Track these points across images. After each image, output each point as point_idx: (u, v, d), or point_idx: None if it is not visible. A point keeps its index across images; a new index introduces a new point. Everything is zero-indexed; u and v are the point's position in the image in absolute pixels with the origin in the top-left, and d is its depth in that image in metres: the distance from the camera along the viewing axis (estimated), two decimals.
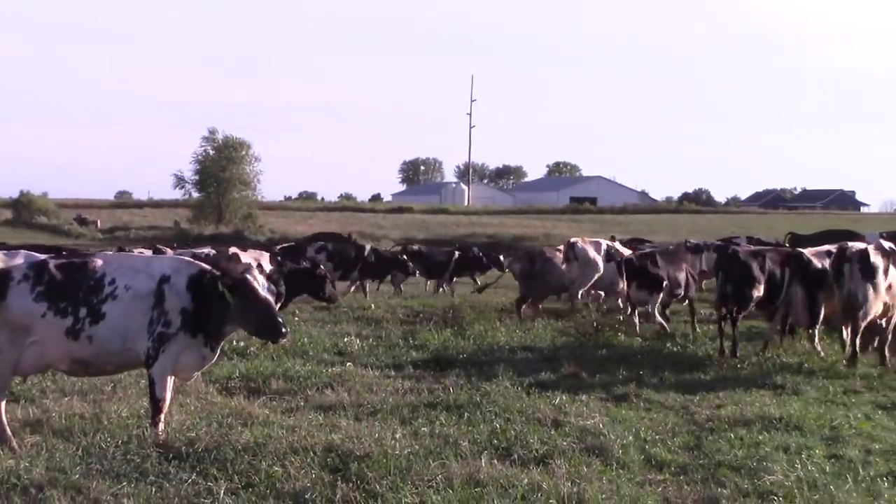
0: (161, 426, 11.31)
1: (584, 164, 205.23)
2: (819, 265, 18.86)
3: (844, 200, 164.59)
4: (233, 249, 21.06)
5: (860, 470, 10.67)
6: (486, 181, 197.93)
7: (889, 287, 17.90)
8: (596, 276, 24.68)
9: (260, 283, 11.82)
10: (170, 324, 11.21)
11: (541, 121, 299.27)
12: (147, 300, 11.23)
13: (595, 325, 21.13)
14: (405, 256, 33.58)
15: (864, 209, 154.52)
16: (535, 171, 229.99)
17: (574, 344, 19.67)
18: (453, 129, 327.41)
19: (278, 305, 19.82)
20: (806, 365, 17.23)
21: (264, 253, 21.66)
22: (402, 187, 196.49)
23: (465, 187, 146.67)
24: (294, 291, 21.21)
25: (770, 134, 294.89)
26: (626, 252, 25.50)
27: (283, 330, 11.42)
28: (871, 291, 17.64)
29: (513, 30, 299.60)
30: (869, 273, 17.64)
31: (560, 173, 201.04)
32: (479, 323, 22.38)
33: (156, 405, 11.33)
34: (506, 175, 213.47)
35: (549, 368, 16.66)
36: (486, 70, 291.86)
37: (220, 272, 11.54)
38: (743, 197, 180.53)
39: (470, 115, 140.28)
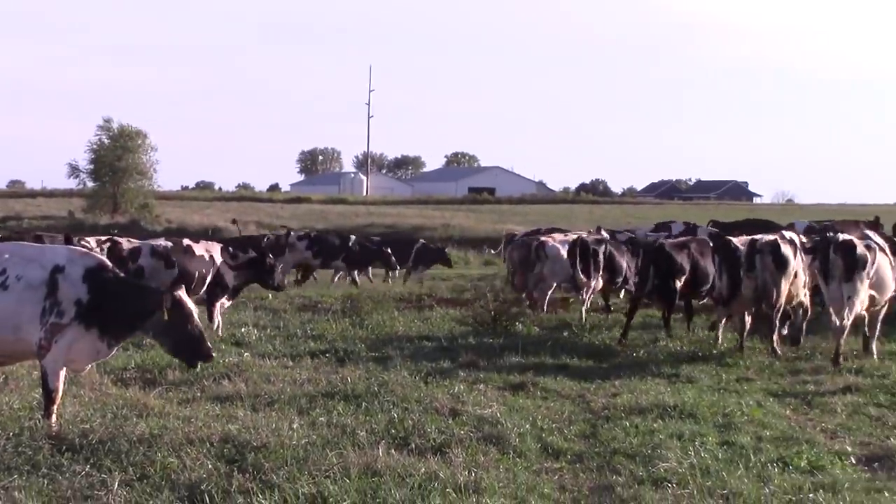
0: (54, 418, 11.18)
1: (482, 155, 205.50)
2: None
3: (738, 191, 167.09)
4: (186, 241, 21.09)
5: (751, 456, 10.82)
6: (384, 171, 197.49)
7: (795, 276, 18.35)
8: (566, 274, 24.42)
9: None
10: (63, 314, 11.05)
11: (439, 111, 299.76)
12: (39, 290, 11.07)
13: (493, 314, 21.22)
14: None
15: (756, 200, 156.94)
16: (433, 162, 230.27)
17: (472, 333, 19.73)
18: (352, 120, 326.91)
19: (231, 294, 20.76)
20: (700, 353, 17.44)
21: (215, 244, 21.58)
22: (301, 177, 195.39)
23: (363, 177, 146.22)
24: (244, 280, 21.18)
25: (666, 125, 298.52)
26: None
27: (208, 356, 11.65)
28: (782, 281, 18.06)
29: (411, 19, 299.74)
30: (781, 264, 18.02)
31: (458, 164, 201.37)
32: (378, 313, 22.41)
33: (48, 396, 11.20)
34: (404, 165, 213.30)
35: (447, 358, 16.71)
36: (384, 60, 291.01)
37: (164, 292, 11.46)
38: (639, 188, 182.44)
39: (368, 105, 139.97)
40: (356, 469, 9.78)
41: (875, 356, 17.77)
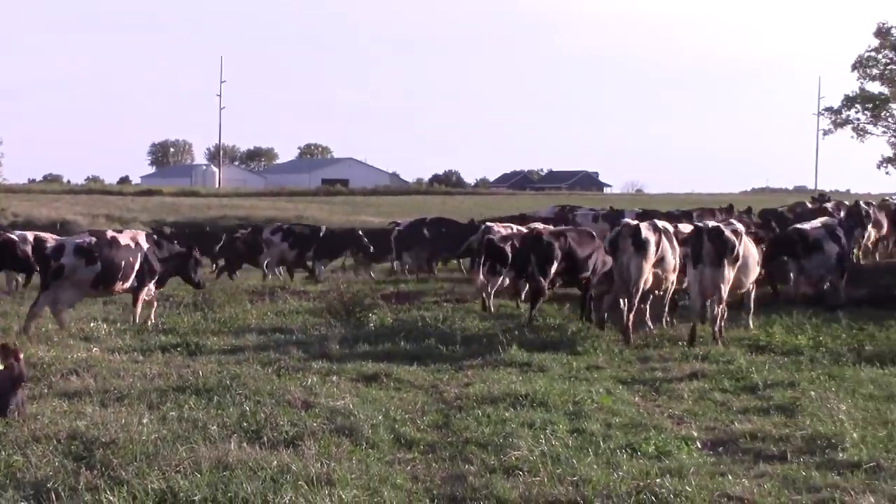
0: None
1: (335, 147, 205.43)
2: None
3: (588, 181, 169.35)
4: (110, 233, 20.87)
5: (601, 443, 11.00)
6: (237, 163, 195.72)
7: (661, 260, 18.93)
8: None
9: None
10: None
11: (292, 103, 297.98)
12: None
13: (346, 305, 21.17)
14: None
15: (606, 190, 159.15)
16: (286, 154, 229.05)
17: (325, 325, 19.65)
18: (203, 111, 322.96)
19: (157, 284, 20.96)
20: (551, 342, 17.62)
21: (140, 232, 21.77)
22: (152, 170, 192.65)
23: (215, 169, 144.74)
24: (168, 272, 21.42)
25: (517, 116, 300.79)
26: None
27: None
28: (644, 265, 18.61)
29: (263, 10, 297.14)
30: (641, 247, 18.56)
31: (312, 155, 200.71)
32: (231, 306, 22.19)
33: None
34: (257, 157, 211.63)
35: (300, 350, 16.63)
36: (236, 51, 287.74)
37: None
38: (492, 178, 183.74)
39: (220, 96, 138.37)
40: (207, 463, 9.71)
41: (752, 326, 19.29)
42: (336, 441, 10.86)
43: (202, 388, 13.28)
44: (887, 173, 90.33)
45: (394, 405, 12.76)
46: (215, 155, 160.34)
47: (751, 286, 20.07)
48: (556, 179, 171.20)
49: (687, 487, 9.48)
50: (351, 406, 12.30)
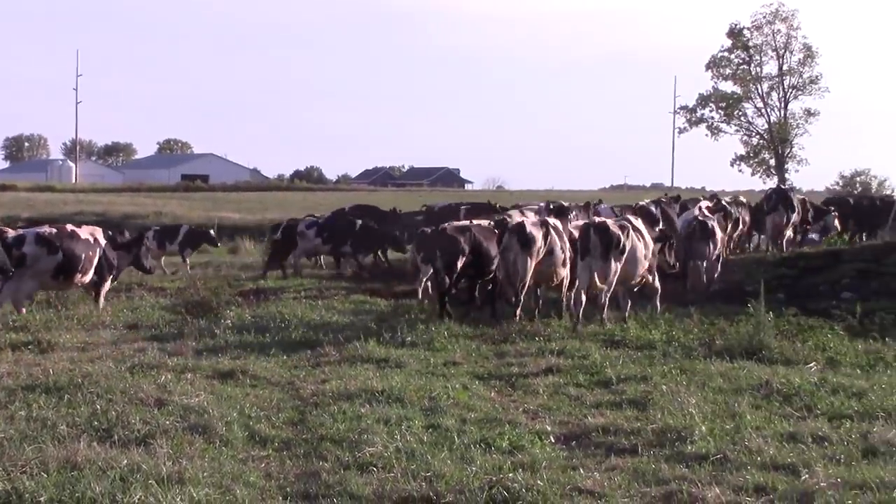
0: None
1: (195, 142, 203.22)
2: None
3: (450, 178, 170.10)
4: (70, 226, 21.33)
5: (455, 438, 11.04)
6: (94, 158, 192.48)
7: (550, 253, 20.01)
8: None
9: None
10: None
11: (151, 98, 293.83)
12: None
13: (203, 302, 20.95)
14: None
15: (468, 186, 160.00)
16: (145, 149, 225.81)
17: (182, 322, 19.41)
18: (59, 105, 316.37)
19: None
20: (409, 339, 17.65)
21: (97, 228, 22.23)
22: (6, 164, 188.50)
23: (72, 164, 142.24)
24: (126, 262, 23.21)
25: (379, 113, 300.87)
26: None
27: None
28: (528, 261, 19.52)
29: (120, 3, 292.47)
30: (526, 244, 19.60)
31: (171, 150, 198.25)
32: (85, 303, 21.81)
33: None
34: (115, 152, 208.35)
35: (155, 347, 16.42)
36: (92, 44, 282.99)
37: None
38: (353, 175, 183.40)
39: (76, 90, 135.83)
40: (55, 463, 9.56)
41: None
42: (189, 439, 10.75)
43: (53, 387, 13.02)
44: (740, 171, 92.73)
45: (249, 402, 12.66)
46: (72, 150, 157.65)
47: (643, 278, 21.05)
48: (417, 176, 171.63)
49: (539, 481, 9.56)
50: (205, 404, 12.18)
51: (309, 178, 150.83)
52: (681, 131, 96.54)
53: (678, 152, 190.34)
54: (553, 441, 11.33)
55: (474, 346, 17.51)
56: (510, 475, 9.72)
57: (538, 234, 19.76)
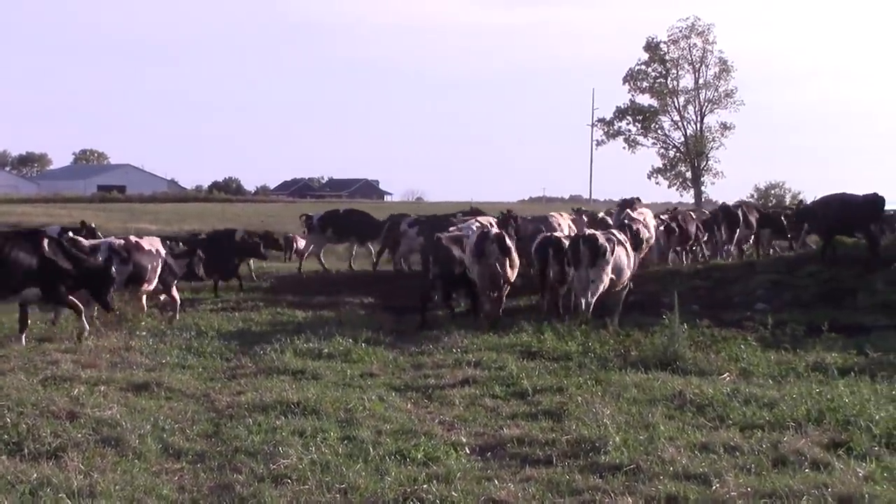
0: None
1: (111, 152, 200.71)
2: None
3: (369, 189, 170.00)
4: (134, 238, 22.27)
5: (371, 450, 11.03)
6: (8, 168, 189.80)
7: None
8: None
9: None
10: None
11: (67, 107, 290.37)
12: None
13: (118, 313, 20.75)
14: None
15: (387, 198, 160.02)
16: (60, 159, 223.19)
17: (98, 333, 19.16)
18: None
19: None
20: (326, 350, 17.60)
21: (156, 238, 23.13)
22: None
23: None
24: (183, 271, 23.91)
25: (297, 124, 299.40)
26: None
27: None
28: (507, 266, 21.74)
29: (32, 12, 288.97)
30: (505, 251, 21.72)
31: (87, 161, 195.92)
32: (3, 314, 21.44)
33: None
34: (30, 162, 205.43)
35: (69, 360, 16.19)
36: (5, 53, 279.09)
37: None
38: (272, 186, 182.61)
39: None
40: None
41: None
42: (101, 452, 10.67)
43: None
44: (657, 183, 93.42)
45: (163, 414, 12.58)
46: None
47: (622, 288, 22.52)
48: (337, 187, 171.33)
49: (453, 492, 9.60)
50: (118, 416, 12.07)
51: (227, 190, 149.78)
52: (598, 143, 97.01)
53: (596, 164, 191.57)
54: (468, 452, 11.34)
55: (391, 357, 17.51)
56: (425, 486, 9.77)
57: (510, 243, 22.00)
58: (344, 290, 28.42)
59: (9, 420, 11.66)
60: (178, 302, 22.79)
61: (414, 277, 32.43)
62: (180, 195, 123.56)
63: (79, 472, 9.78)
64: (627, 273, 22.52)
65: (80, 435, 11.20)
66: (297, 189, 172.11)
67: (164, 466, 10.54)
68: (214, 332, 19.80)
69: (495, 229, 23.75)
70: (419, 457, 10.92)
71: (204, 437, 11.76)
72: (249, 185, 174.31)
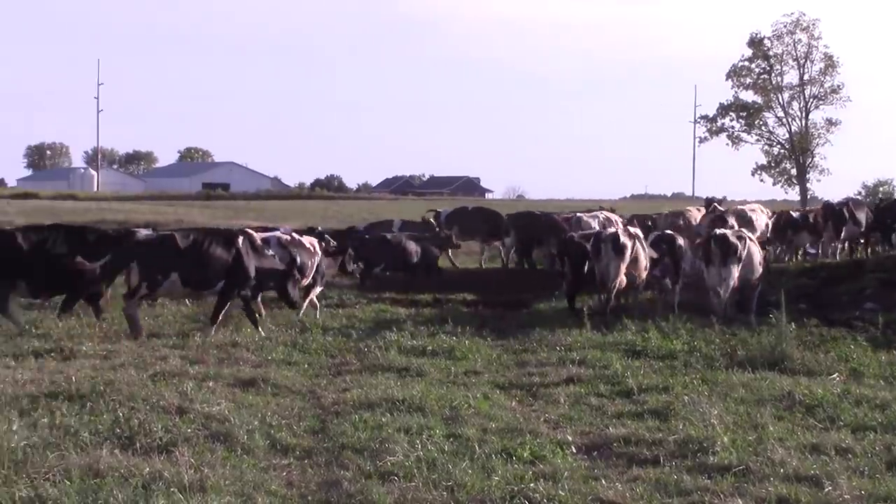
0: None
1: (216, 151, 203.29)
2: None
3: (470, 187, 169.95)
4: (294, 234, 22.95)
5: (477, 448, 11.01)
6: (116, 167, 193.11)
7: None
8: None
9: None
10: None
11: (172, 106, 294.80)
12: None
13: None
14: None
15: (488, 195, 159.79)
16: (166, 157, 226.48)
17: (204, 330, 19.39)
18: (81, 114, 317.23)
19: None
20: (430, 348, 17.65)
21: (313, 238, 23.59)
22: (28, 172, 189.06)
23: (93, 173, 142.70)
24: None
25: (400, 121, 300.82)
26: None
27: None
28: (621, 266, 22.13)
29: (141, 12, 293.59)
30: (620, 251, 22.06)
31: (192, 159, 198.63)
32: (107, 311, 21.82)
33: None
34: (136, 161, 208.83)
35: (177, 356, 16.42)
36: (113, 53, 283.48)
37: None
38: (374, 183, 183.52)
39: (97, 99, 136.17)
40: (78, 471, 9.58)
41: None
42: (210, 447, 10.76)
43: (75, 394, 12.99)
44: (761, 181, 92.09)
45: (270, 410, 12.66)
46: (93, 158, 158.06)
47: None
48: (437, 185, 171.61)
49: (560, 492, 9.58)
50: (226, 412, 12.17)
51: (329, 187, 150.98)
52: (701, 140, 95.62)
53: (699, 161, 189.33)
54: (574, 451, 11.30)
55: (495, 355, 17.51)
56: (531, 485, 9.75)
57: (630, 243, 22.07)
58: (447, 287, 28.42)
59: (121, 415, 11.82)
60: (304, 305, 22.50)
61: (517, 274, 32.52)
62: (283, 193, 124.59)
63: (189, 467, 9.87)
64: (759, 271, 22.96)
65: (189, 430, 11.32)
66: (399, 186, 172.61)
67: (272, 462, 10.62)
68: (319, 328, 19.95)
69: (614, 228, 24.02)
70: (525, 455, 10.90)
71: (311, 433, 11.83)
72: (351, 183, 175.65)
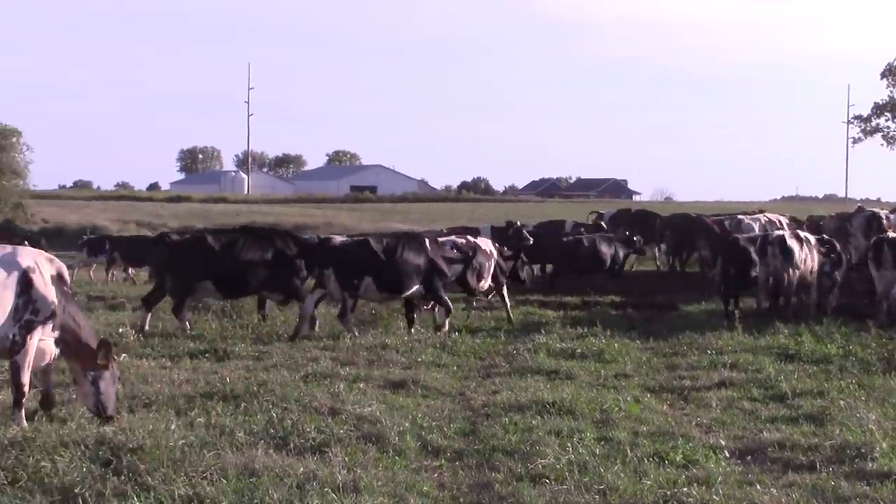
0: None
1: (364, 154, 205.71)
2: None
3: (617, 189, 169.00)
4: (470, 238, 22.81)
5: (628, 451, 10.93)
6: (265, 170, 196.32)
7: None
8: None
9: None
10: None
11: (320, 109, 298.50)
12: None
13: (373, 312, 21.18)
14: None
15: (635, 197, 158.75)
16: (315, 160, 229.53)
17: (354, 331, 19.60)
18: (232, 118, 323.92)
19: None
20: (579, 350, 17.57)
21: (486, 239, 23.79)
22: (181, 176, 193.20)
23: (244, 176, 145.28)
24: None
25: (546, 123, 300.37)
26: None
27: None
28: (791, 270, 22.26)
29: (290, 17, 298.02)
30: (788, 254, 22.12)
31: (340, 162, 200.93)
32: (258, 313, 22.17)
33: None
34: (286, 163, 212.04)
35: (327, 357, 16.61)
36: (263, 58, 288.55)
37: None
38: (520, 186, 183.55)
39: (248, 102, 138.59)
40: (234, 470, 9.71)
41: None
42: (362, 448, 10.84)
43: (229, 395, 13.25)
44: None
45: (421, 412, 12.73)
46: (244, 161, 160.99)
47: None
48: (584, 187, 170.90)
49: (714, 496, 9.45)
50: (378, 413, 12.24)
51: (476, 189, 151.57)
52: (855, 141, 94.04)
53: (852, 162, 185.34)
54: (727, 456, 11.13)
55: (645, 358, 17.38)
56: (684, 489, 9.64)
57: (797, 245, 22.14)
58: (595, 290, 28.25)
59: (274, 415, 11.98)
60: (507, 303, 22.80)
61: (666, 276, 32.26)
62: (430, 195, 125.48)
63: (342, 467, 9.96)
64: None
65: (341, 431, 11.40)
66: (545, 189, 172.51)
67: (424, 464, 10.66)
68: (467, 330, 20.02)
69: (780, 231, 24.18)
70: (678, 459, 10.77)
71: (461, 435, 11.85)
72: (498, 185, 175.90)
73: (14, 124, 78.42)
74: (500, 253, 22.70)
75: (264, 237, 21.09)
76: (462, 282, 21.19)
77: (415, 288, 20.04)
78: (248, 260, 20.28)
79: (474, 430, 12.00)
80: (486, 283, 22.04)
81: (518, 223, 32.51)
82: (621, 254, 30.29)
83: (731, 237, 24.12)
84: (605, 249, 29.41)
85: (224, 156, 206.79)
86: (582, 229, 34.03)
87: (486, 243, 22.55)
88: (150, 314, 20.23)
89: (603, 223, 35.75)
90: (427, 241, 20.47)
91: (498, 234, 31.06)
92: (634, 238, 30.73)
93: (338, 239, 20.82)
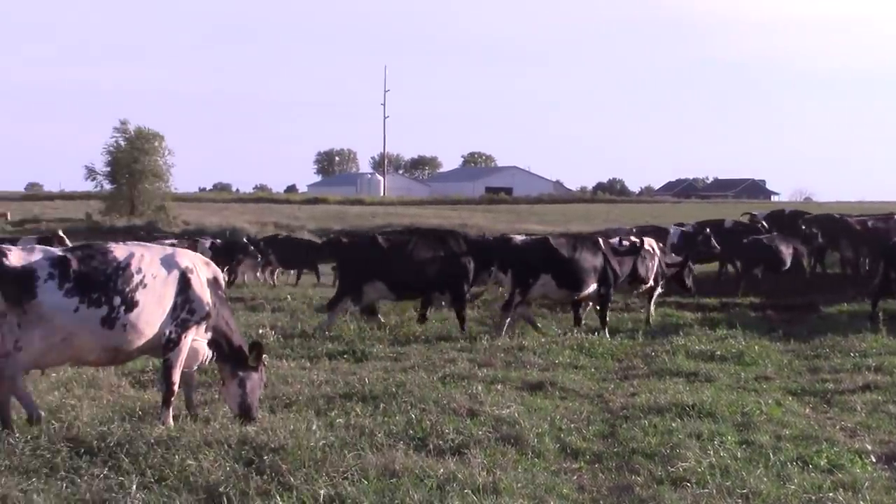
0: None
1: (499, 155, 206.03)
2: None
3: (755, 189, 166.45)
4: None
5: (771, 455, 10.76)
6: (401, 172, 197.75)
7: None
8: None
9: None
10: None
11: (456, 111, 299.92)
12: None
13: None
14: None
15: (774, 198, 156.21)
16: (450, 162, 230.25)
17: (488, 332, 19.64)
18: (368, 120, 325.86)
19: None
20: (718, 353, 17.37)
21: (652, 240, 23.24)
22: (318, 178, 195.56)
23: (380, 178, 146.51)
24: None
25: (682, 124, 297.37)
26: None
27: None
28: None
29: (426, 19, 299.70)
30: None
31: (475, 164, 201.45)
32: (395, 313, 22.34)
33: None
34: (421, 165, 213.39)
35: (464, 358, 16.66)
36: (399, 60, 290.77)
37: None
38: (656, 186, 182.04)
39: (384, 105, 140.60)
40: (374, 470, 9.75)
41: None
42: (502, 450, 10.82)
43: (368, 396, 13.33)
44: None
45: (559, 414, 12.67)
46: (380, 163, 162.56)
47: None
48: (721, 187, 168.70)
49: (861, 502, 9.26)
50: (516, 415, 12.21)
51: (611, 191, 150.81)
52: None
53: None
54: (873, 460, 10.91)
55: (786, 360, 17.14)
56: (830, 495, 9.47)
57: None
58: (733, 291, 27.87)
59: (413, 416, 12.03)
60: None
61: (810, 277, 31.67)
62: (565, 196, 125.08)
63: (482, 469, 9.95)
64: None
65: (480, 432, 11.39)
66: (682, 189, 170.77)
67: (563, 466, 10.62)
68: (605, 332, 19.91)
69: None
70: (822, 463, 10.57)
71: (600, 437, 11.78)
72: (633, 186, 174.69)
73: (156, 129, 80.00)
74: (614, 251, 22.36)
75: (435, 237, 21.28)
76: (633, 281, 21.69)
77: (592, 287, 20.58)
78: (420, 260, 20.49)
79: (613, 433, 11.91)
80: (650, 284, 22.23)
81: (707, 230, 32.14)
82: (804, 252, 30.40)
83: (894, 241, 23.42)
84: (787, 250, 29.19)
85: (360, 158, 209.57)
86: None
87: (651, 243, 22.49)
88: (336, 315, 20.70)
89: (762, 223, 35.11)
90: (601, 241, 21.18)
91: (686, 238, 31.05)
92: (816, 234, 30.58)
93: (517, 238, 21.30)
